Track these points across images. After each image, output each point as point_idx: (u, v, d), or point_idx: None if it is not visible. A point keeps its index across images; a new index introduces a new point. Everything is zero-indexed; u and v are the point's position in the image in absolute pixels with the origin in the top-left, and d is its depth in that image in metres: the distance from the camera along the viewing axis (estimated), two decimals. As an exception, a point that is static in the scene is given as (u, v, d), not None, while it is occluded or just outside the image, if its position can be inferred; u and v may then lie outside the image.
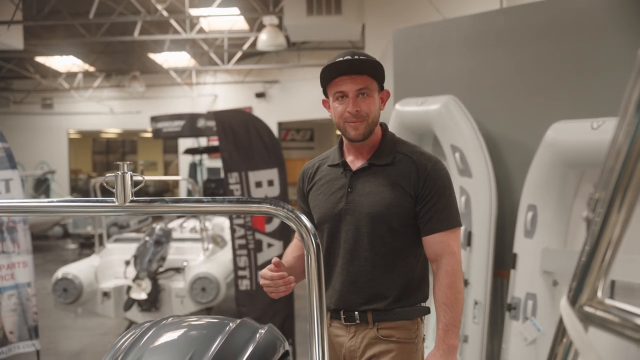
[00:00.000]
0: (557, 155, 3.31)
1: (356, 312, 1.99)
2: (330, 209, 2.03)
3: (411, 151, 2.03)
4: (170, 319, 1.72)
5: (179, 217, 8.21)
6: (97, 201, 1.25)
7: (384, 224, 1.96)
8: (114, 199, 1.21)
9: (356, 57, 1.94)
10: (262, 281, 1.92)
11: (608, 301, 0.66)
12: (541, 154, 3.40)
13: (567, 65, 3.70)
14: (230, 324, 1.62)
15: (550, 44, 3.77)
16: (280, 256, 4.39)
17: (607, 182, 0.66)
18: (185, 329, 1.62)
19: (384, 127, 2.09)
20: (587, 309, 0.67)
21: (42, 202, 1.31)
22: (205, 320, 1.74)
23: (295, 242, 2.19)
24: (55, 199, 1.27)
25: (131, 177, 1.21)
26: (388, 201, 1.96)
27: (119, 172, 1.20)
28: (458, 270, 1.94)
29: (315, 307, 1.18)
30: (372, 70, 1.95)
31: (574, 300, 0.68)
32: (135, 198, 1.22)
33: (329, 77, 1.98)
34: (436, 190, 1.95)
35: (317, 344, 1.18)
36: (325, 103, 2.08)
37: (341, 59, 1.95)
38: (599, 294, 0.67)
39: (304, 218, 1.18)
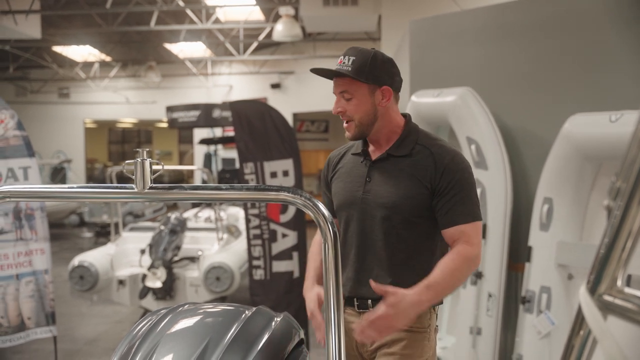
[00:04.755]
0: (574, 148, 3.28)
1: (369, 300, 2.00)
2: (349, 197, 2.06)
3: (431, 144, 2.02)
4: (187, 306, 1.73)
5: (193, 206, 8.26)
6: (117, 187, 1.26)
7: (398, 214, 1.96)
8: (133, 186, 1.23)
9: (343, 58, 1.98)
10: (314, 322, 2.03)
11: (628, 290, 0.66)
12: (558, 146, 3.37)
13: (585, 58, 3.66)
14: (246, 312, 1.63)
15: (568, 35, 3.73)
16: (296, 246, 4.36)
17: (628, 173, 0.66)
18: (201, 316, 1.63)
19: (407, 117, 2.10)
20: (607, 297, 0.67)
21: (63, 187, 1.32)
22: (221, 307, 1.75)
23: (319, 238, 2.22)
24: (76, 185, 1.28)
25: (150, 164, 1.22)
26: (403, 192, 1.96)
27: (139, 159, 1.21)
28: (471, 259, 1.91)
29: (332, 295, 1.18)
30: (353, 72, 1.95)
31: (593, 289, 0.68)
32: (154, 185, 1.23)
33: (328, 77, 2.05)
34: (454, 184, 1.94)
35: (334, 331, 1.19)
36: None
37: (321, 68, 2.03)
38: (619, 283, 0.67)
39: (321, 206, 1.19)
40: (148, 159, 1.21)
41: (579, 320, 0.75)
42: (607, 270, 0.67)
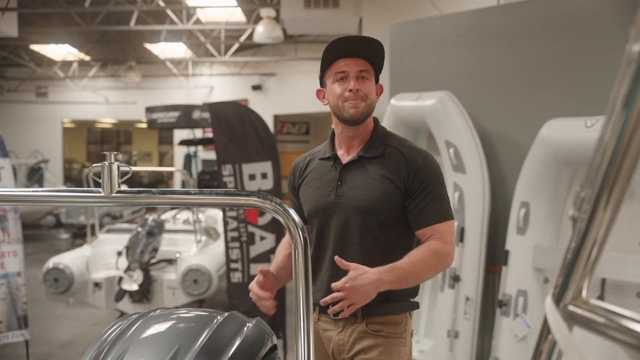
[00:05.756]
0: (551, 152, 3.31)
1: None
2: (320, 203, 2.03)
3: (401, 145, 2.03)
4: (158, 311, 1.71)
5: (172, 208, 8.18)
6: (83, 191, 1.23)
7: (374, 217, 1.95)
8: (100, 190, 1.20)
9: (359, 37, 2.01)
10: (251, 293, 2.01)
11: (593, 301, 0.65)
12: (535, 151, 3.39)
13: (562, 63, 3.69)
14: (218, 317, 1.61)
15: (546, 41, 3.76)
16: (274, 249, 4.34)
17: (593, 180, 0.66)
18: (172, 322, 1.61)
19: (375, 121, 2.09)
20: (572, 308, 0.66)
21: (27, 191, 1.29)
22: (192, 313, 1.73)
23: (287, 239, 2.19)
24: (40, 189, 1.26)
25: (118, 167, 1.20)
26: (377, 194, 1.95)
27: (106, 163, 1.18)
28: (441, 254, 1.90)
29: (302, 302, 1.17)
30: (372, 57, 1.98)
31: (558, 300, 0.68)
32: (121, 189, 1.20)
33: (331, 57, 1.99)
34: (426, 184, 1.94)
35: (303, 339, 1.17)
36: (319, 93, 2.08)
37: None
38: (584, 293, 0.66)
39: (292, 212, 1.17)
40: (115, 163, 1.19)
41: (546, 327, 0.74)
42: (572, 280, 0.66)
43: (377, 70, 2.01)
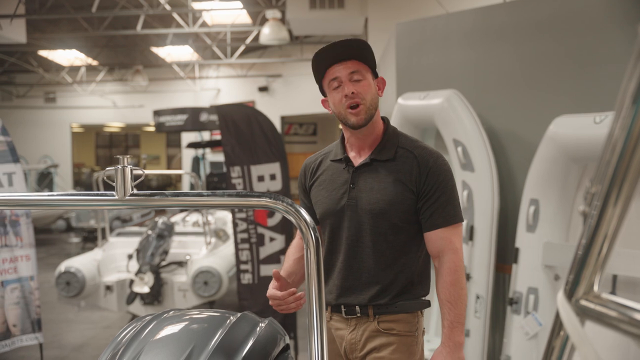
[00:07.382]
0: (560, 149, 3.30)
1: (357, 307, 2.00)
2: (333, 205, 2.03)
3: (413, 146, 2.02)
4: (172, 312, 1.72)
5: (181, 210, 8.22)
6: (98, 195, 1.25)
7: (386, 220, 1.96)
8: (114, 193, 1.21)
9: (344, 42, 1.96)
10: (271, 301, 1.98)
11: (605, 295, 0.66)
12: (543, 148, 3.39)
13: (569, 60, 3.68)
14: (231, 318, 1.62)
15: (553, 38, 3.76)
16: (284, 250, 4.36)
17: (603, 175, 0.66)
18: (185, 323, 1.62)
19: (385, 121, 2.09)
20: (584, 302, 0.67)
21: (43, 195, 1.31)
22: (205, 313, 1.74)
23: (297, 241, 2.19)
24: (55, 193, 1.27)
25: (131, 170, 1.21)
26: (390, 197, 1.95)
27: (119, 166, 1.20)
28: (460, 267, 1.93)
29: (315, 302, 1.18)
30: (359, 54, 1.95)
31: (570, 294, 0.68)
32: (135, 192, 1.22)
33: (320, 68, 1.99)
34: (438, 186, 1.94)
35: (317, 339, 1.18)
36: (324, 103, 2.09)
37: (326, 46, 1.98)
38: (596, 287, 0.67)
39: (304, 212, 1.18)
40: (129, 166, 1.20)
41: (558, 323, 0.75)
42: (584, 274, 0.67)
43: (371, 65, 1.99)
